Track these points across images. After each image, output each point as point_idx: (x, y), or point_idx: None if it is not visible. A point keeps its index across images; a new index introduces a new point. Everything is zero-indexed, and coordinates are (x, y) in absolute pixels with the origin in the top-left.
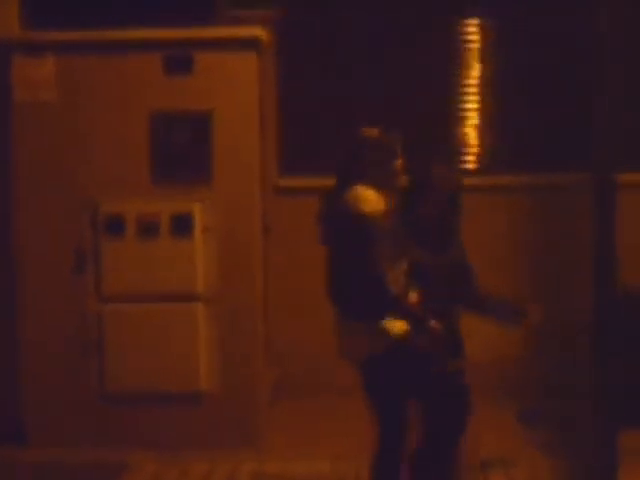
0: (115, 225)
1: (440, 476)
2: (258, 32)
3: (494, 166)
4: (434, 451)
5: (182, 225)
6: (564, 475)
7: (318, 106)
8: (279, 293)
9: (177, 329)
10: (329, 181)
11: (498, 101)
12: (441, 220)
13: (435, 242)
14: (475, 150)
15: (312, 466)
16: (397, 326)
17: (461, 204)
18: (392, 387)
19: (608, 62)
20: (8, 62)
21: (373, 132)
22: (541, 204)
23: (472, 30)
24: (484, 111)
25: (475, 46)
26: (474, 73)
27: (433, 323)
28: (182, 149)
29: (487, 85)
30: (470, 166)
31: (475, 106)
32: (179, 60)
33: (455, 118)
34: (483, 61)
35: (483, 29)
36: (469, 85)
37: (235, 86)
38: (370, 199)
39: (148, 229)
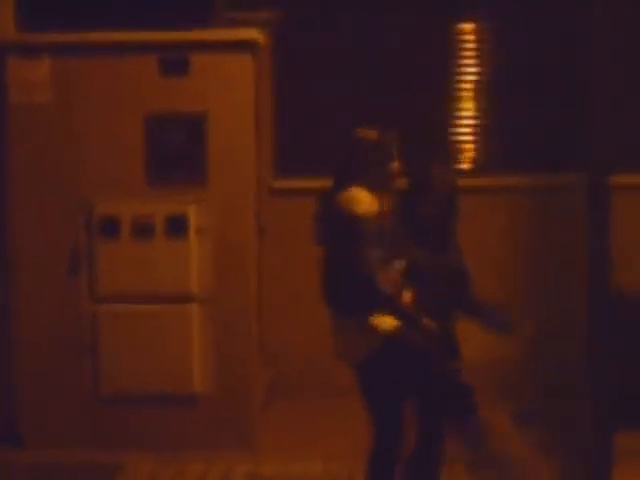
0: (110, 226)
1: (434, 476)
2: (254, 34)
3: (491, 167)
4: (430, 451)
5: (177, 226)
6: (560, 476)
7: (314, 108)
8: (273, 294)
9: (172, 330)
10: (324, 183)
11: (495, 102)
12: (440, 221)
13: (434, 243)
14: (472, 151)
15: (306, 467)
16: (387, 322)
17: (458, 205)
18: (388, 387)
19: (605, 63)
20: (3, 64)
21: (370, 133)
22: (538, 205)
23: (469, 31)
24: (481, 112)
25: (472, 47)
26: (471, 74)
27: (425, 321)
28: (177, 151)
29: (484, 86)
30: (467, 167)
31: (472, 107)
32: (175, 62)
33: (452, 119)
34: (480, 62)
35: (480, 30)
36: (466, 86)
37: (231, 88)
38: (363, 200)
39: (143, 230)
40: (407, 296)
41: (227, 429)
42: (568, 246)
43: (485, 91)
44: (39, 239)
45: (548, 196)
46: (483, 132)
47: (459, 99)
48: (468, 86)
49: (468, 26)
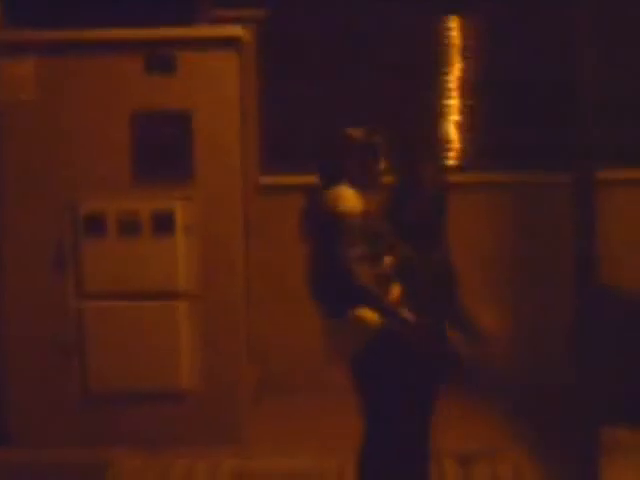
0: (96, 223)
1: (424, 473)
2: (239, 31)
3: (478, 164)
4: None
5: (164, 223)
6: (548, 470)
7: (300, 105)
8: (261, 291)
9: (159, 327)
10: (310, 179)
11: (481, 98)
12: (428, 218)
13: (422, 240)
14: (459, 148)
15: (295, 463)
16: (369, 316)
17: (447, 203)
18: (380, 383)
19: (591, 59)
20: None
21: (357, 133)
22: (525, 202)
23: (454, 28)
24: (468, 109)
25: (458, 44)
26: (458, 70)
27: (405, 314)
28: (163, 148)
29: (470, 83)
30: (454, 164)
31: (459, 103)
32: (160, 59)
33: (439, 116)
34: (466, 59)
35: (465, 27)
36: (453, 82)
37: (216, 85)
38: (349, 199)
39: (129, 227)
40: (395, 290)
41: (215, 425)
42: (555, 243)
43: (472, 87)
44: (25, 236)
45: (535, 193)
46: (470, 129)
47: (446, 96)
48: (455, 82)
49: (454, 20)
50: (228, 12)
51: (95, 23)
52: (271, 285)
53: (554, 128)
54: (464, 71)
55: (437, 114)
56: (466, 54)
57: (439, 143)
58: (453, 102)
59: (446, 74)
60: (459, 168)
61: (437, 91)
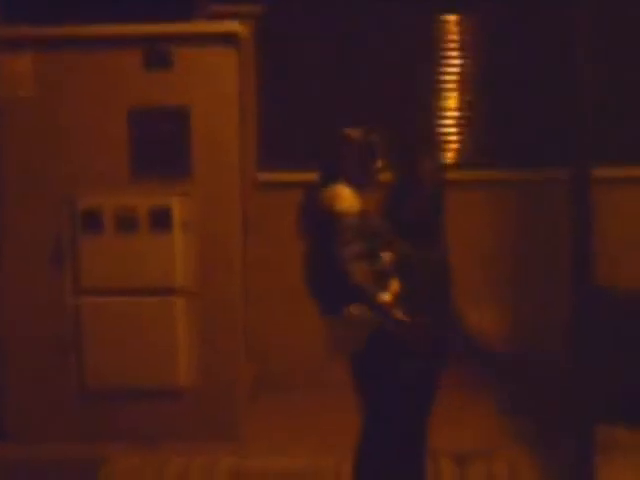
0: (94, 219)
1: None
2: (237, 27)
3: (476, 161)
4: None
5: (161, 219)
6: (544, 469)
7: (298, 101)
8: (259, 288)
9: (156, 324)
10: (308, 176)
11: (479, 95)
12: (427, 216)
13: (420, 238)
14: (457, 145)
15: (291, 461)
16: (365, 313)
17: (445, 200)
18: (379, 381)
19: (589, 57)
20: None
21: (354, 132)
22: (523, 199)
23: (453, 25)
24: (466, 105)
25: (456, 42)
26: (456, 66)
27: (398, 314)
28: (161, 144)
29: (469, 79)
30: (452, 161)
31: (457, 100)
32: (158, 55)
33: (437, 113)
34: (465, 57)
35: (464, 24)
36: (451, 79)
37: (214, 81)
38: (346, 198)
39: (127, 223)
40: (393, 286)
41: (212, 423)
42: (555, 241)
43: (470, 84)
44: (22, 232)
45: (534, 190)
46: (468, 126)
47: (444, 92)
48: (453, 79)
49: (452, 18)
50: (225, 8)
51: (93, 19)
52: (269, 282)
53: (552, 126)
54: (463, 69)
55: (435, 112)
56: (464, 52)
57: (437, 141)
58: (451, 100)
59: (444, 72)
60: (457, 166)
61: (435, 89)
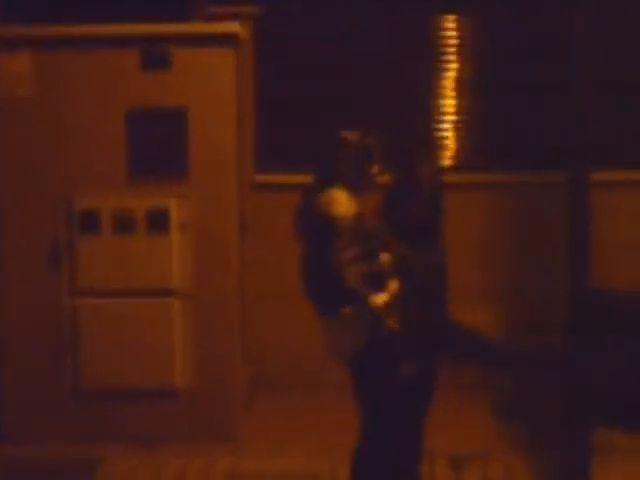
0: (91, 221)
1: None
2: (236, 28)
3: (474, 164)
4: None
5: (158, 221)
6: (540, 472)
7: (296, 102)
8: (256, 289)
9: (153, 325)
10: (306, 178)
11: (477, 98)
12: (425, 219)
13: (419, 241)
14: (454, 148)
15: (288, 463)
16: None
17: (443, 203)
18: (377, 384)
19: (587, 59)
20: None
21: (351, 136)
22: (521, 201)
23: (451, 27)
24: (464, 108)
25: (454, 43)
26: (454, 70)
27: (392, 323)
28: (159, 145)
29: (467, 82)
30: (450, 164)
31: (455, 103)
32: (156, 56)
33: (435, 115)
34: (463, 59)
35: (462, 26)
36: (449, 82)
37: (212, 82)
38: (342, 202)
39: (124, 225)
40: (392, 286)
41: (208, 424)
42: (551, 242)
43: (468, 87)
44: (20, 233)
45: (531, 193)
46: (466, 129)
47: (441, 95)
48: (451, 82)
49: (448, 23)
50: (224, 9)
51: (91, 19)
52: (267, 283)
53: (551, 127)
54: (461, 72)
55: (434, 113)
56: (463, 54)
57: (436, 143)
58: (450, 102)
59: (443, 74)
60: (455, 168)
61: (434, 91)
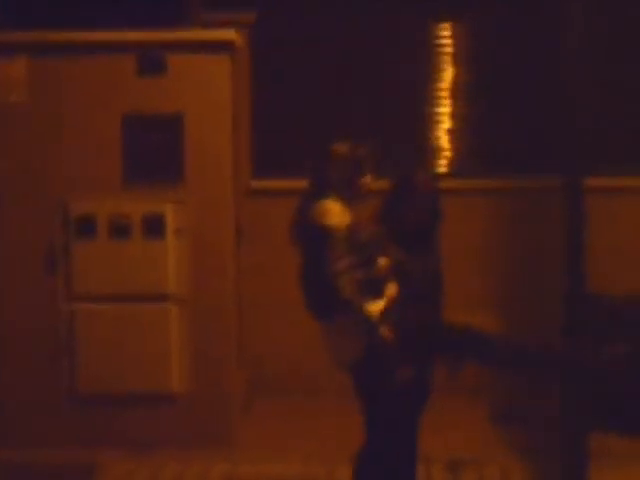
0: (87, 226)
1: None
2: (231, 35)
3: (470, 169)
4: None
5: (154, 226)
6: (535, 476)
7: (291, 109)
8: (252, 295)
9: (149, 329)
10: (301, 184)
11: (473, 104)
12: (422, 225)
13: (415, 246)
14: (451, 154)
15: (285, 467)
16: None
17: (440, 209)
18: (377, 389)
19: (582, 66)
20: None
21: (341, 147)
22: (517, 207)
23: (446, 34)
24: (458, 115)
25: (449, 50)
26: (450, 76)
27: (386, 332)
28: (155, 150)
29: (461, 88)
30: (446, 169)
31: (449, 110)
32: (152, 62)
33: (430, 122)
34: (458, 65)
35: (457, 33)
36: (445, 88)
37: (208, 88)
38: (335, 213)
39: (120, 230)
40: (390, 290)
41: (205, 428)
42: (548, 247)
43: (463, 93)
44: (15, 238)
45: (527, 198)
46: (462, 135)
47: (437, 101)
48: (446, 88)
49: (446, 27)
50: (220, 16)
51: (87, 25)
52: (263, 288)
53: (547, 132)
54: (456, 77)
55: (430, 119)
56: (459, 60)
57: (432, 149)
58: (445, 107)
59: (438, 81)
60: (452, 174)
61: (429, 98)
